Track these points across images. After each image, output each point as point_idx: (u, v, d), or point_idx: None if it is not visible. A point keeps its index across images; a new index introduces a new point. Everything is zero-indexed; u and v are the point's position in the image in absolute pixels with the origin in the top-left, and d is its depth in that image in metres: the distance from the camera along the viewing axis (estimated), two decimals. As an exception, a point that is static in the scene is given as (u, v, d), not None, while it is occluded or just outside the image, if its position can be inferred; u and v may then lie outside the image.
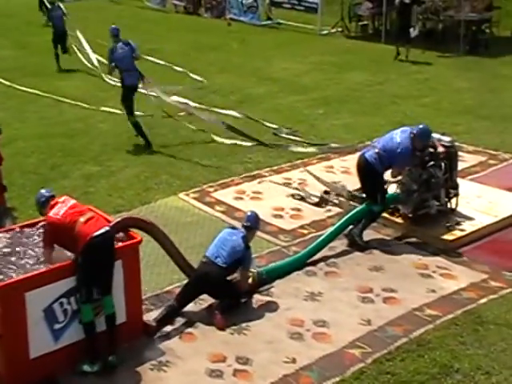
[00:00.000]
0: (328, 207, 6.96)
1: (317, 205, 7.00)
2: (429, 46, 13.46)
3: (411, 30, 12.92)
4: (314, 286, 5.58)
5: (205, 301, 5.30)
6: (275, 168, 8.06)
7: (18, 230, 5.00)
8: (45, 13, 16.24)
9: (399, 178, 6.41)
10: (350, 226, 6.25)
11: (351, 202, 6.73)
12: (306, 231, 6.49)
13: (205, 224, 6.64)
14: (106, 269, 4.58)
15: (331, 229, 6.21)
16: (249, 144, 8.67)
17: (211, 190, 7.46)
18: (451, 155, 6.57)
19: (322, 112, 10.24)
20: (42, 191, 4.85)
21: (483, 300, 5.33)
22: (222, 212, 6.89)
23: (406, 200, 6.43)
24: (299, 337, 4.93)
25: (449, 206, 6.60)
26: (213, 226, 6.39)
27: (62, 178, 7.83)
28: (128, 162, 8.28)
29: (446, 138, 6.68)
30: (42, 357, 4.47)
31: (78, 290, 4.51)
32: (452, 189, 6.58)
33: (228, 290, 5.27)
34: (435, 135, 6.59)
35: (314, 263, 5.91)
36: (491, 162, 8.18)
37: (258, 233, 6.11)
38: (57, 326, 4.53)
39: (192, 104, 10.00)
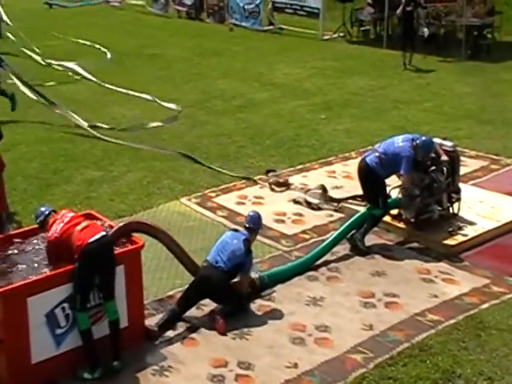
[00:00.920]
0: (330, 212, 6.97)
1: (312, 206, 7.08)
2: (430, 50, 13.48)
3: (425, 30, 12.78)
4: (316, 290, 5.58)
5: (206, 306, 5.30)
6: (277, 173, 8.06)
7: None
8: None
9: (401, 182, 6.42)
10: (353, 231, 6.26)
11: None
12: (307, 236, 6.49)
13: (207, 229, 6.65)
14: (104, 274, 4.57)
15: (334, 234, 6.21)
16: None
17: (213, 194, 7.47)
18: (453, 160, 6.58)
19: (323, 117, 10.24)
20: (42, 209, 4.80)
21: (485, 305, 5.32)
22: (224, 217, 6.90)
23: (407, 205, 6.43)
24: (301, 342, 4.93)
25: (451, 210, 6.60)
26: (215, 231, 6.40)
27: (64, 182, 7.84)
28: (130, 166, 8.29)
29: (448, 143, 6.68)
30: (43, 362, 4.48)
31: (74, 297, 4.48)
32: (454, 193, 6.59)
33: (229, 295, 5.27)
34: (437, 140, 6.59)
35: (316, 268, 5.91)
36: (493, 166, 8.17)
37: (260, 237, 6.13)
38: (58, 331, 4.53)
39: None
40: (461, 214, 6.61)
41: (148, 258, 5.55)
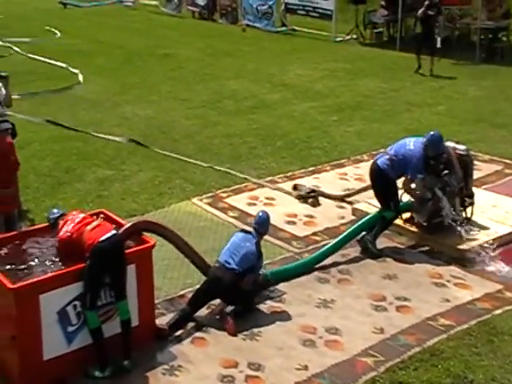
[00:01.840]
0: (342, 214, 6.94)
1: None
2: (444, 53, 13.41)
3: (438, 39, 12.60)
4: (327, 293, 5.56)
5: (217, 306, 5.29)
6: (289, 174, 8.06)
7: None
8: None
9: (412, 186, 6.37)
10: (363, 233, 6.23)
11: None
12: (319, 238, 6.47)
13: (217, 229, 6.64)
14: (115, 273, 4.57)
15: (342, 235, 6.18)
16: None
17: (224, 195, 7.47)
18: (466, 164, 6.53)
19: (335, 119, 10.22)
20: (54, 211, 4.94)
21: (498, 311, 5.28)
22: (235, 218, 6.90)
23: (419, 208, 6.39)
24: (311, 344, 4.91)
25: (464, 215, 6.55)
26: (225, 231, 6.39)
27: (76, 181, 7.87)
28: (141, 166, 8.31)
29: (461, 147, 6.63)
30: (55, 359, 4.49)
31: (83, 296, 4.49)
32: (467, 197, 6.54)
33: (240, 296, 5.26)
34: (450, 144, 6.55)
35: (327, 270, 5.89)
36: (507, 171, 8.11)
37: (271, 239, 6.12)
38: (70, 329, 4.54)
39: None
40: (474, 218, 6.56)
41: (159, 257, 5.55)
